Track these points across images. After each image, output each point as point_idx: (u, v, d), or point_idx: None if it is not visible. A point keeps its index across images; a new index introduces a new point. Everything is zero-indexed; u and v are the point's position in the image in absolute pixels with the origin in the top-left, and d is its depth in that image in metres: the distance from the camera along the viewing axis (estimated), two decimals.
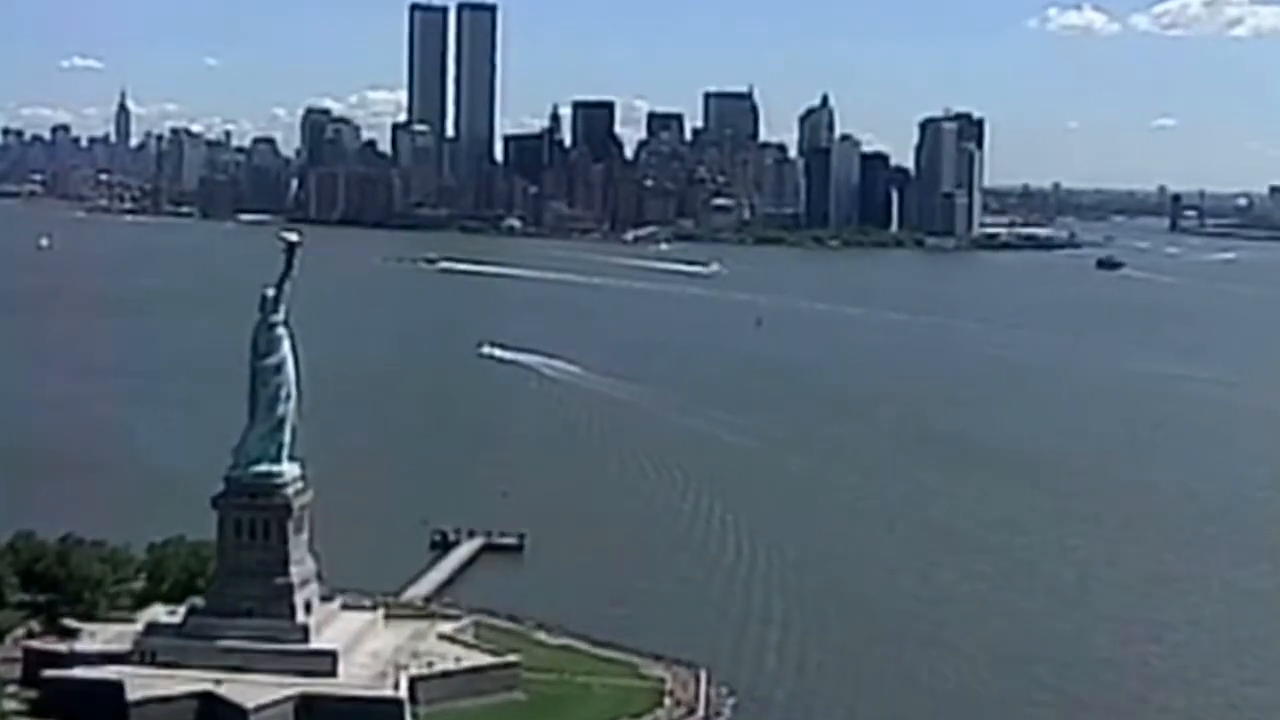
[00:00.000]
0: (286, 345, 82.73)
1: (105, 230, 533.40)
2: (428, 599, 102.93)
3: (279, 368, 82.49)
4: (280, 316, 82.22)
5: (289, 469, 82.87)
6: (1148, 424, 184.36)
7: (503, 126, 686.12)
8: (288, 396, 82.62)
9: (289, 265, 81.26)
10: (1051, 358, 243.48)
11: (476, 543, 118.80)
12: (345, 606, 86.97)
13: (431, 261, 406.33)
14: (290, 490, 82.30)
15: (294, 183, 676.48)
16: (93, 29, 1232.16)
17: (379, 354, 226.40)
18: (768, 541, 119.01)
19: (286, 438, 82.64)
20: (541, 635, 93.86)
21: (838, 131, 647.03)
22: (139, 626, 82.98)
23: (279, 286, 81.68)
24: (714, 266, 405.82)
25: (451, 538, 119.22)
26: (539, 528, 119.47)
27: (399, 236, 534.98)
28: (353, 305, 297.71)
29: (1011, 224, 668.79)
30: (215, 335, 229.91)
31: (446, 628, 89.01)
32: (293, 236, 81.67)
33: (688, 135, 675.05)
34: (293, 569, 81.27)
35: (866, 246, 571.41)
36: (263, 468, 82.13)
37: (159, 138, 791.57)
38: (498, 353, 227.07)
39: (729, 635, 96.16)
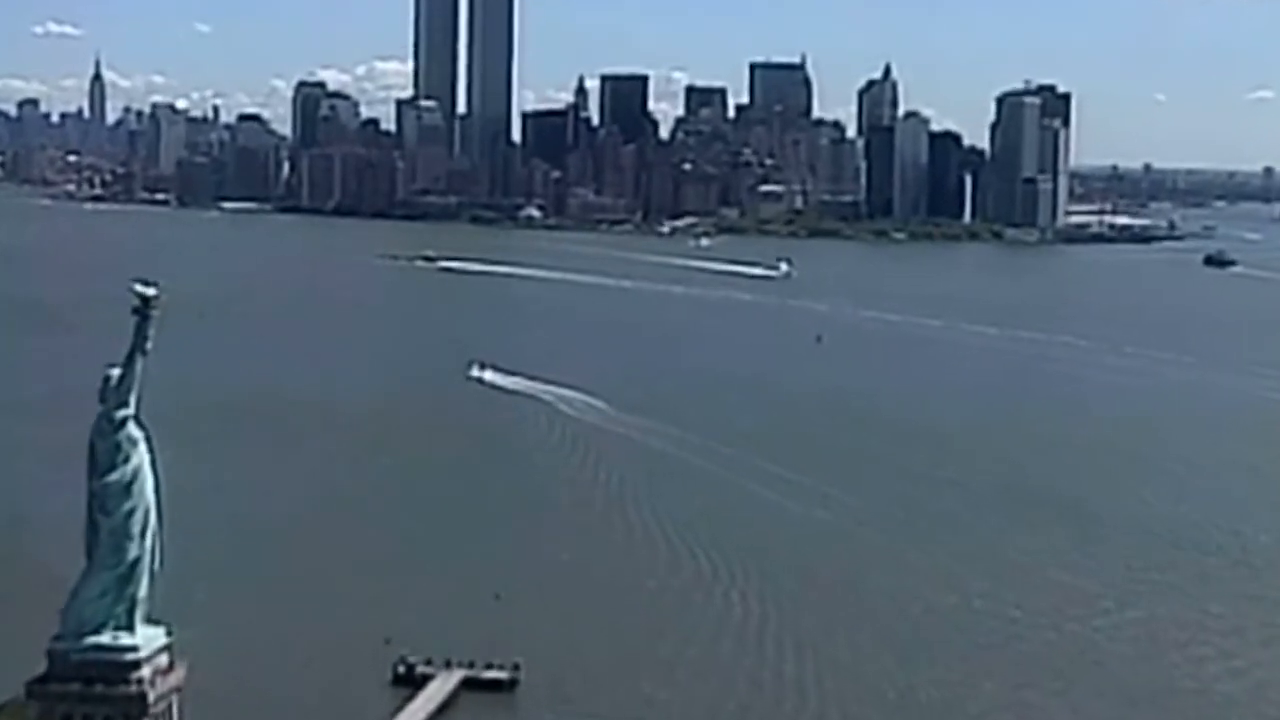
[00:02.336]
0: (142, 452, 59.14)
1: (65, 221, 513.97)
2: None
3: (129, 487, 58.78)
4: (130, 409, 58.84)
5: (146, 638, 59.68)
6: None
7: (521, 102, 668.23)
8: (144, 530, 59.27)
9: (143, 331, 57.97)
10: (1183, 390, 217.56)
11: (455, 678, 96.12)
12: None
13: (430, 260, 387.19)
14: (147, 671, 59.39)
15: (285, 166, 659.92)
16: None
17: (341, 380, 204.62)
18: (856, 683, 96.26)
19: (142, 591, 59.00)
20: None
21: (902, 107, 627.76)
22: None
23: (127, 364, 58.22)
24: (783, 268, 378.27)
25: (421, 670, 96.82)
26: (540, 653, 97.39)
27: (402, 228, 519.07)
28: (329, 315, 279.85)
29: (1101, 212, 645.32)
30: (162, 358, 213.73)
31: None
32: (148, 290, 58.47)
33: (731, 112, 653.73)
34: None
35: (936, 239, 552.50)
36: (105, 638, 58.66)
37: (139, 114, 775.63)
38: (489, 376, 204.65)
39: None
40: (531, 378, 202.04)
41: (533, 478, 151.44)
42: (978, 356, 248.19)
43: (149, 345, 57.00)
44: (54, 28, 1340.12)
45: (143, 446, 59.06)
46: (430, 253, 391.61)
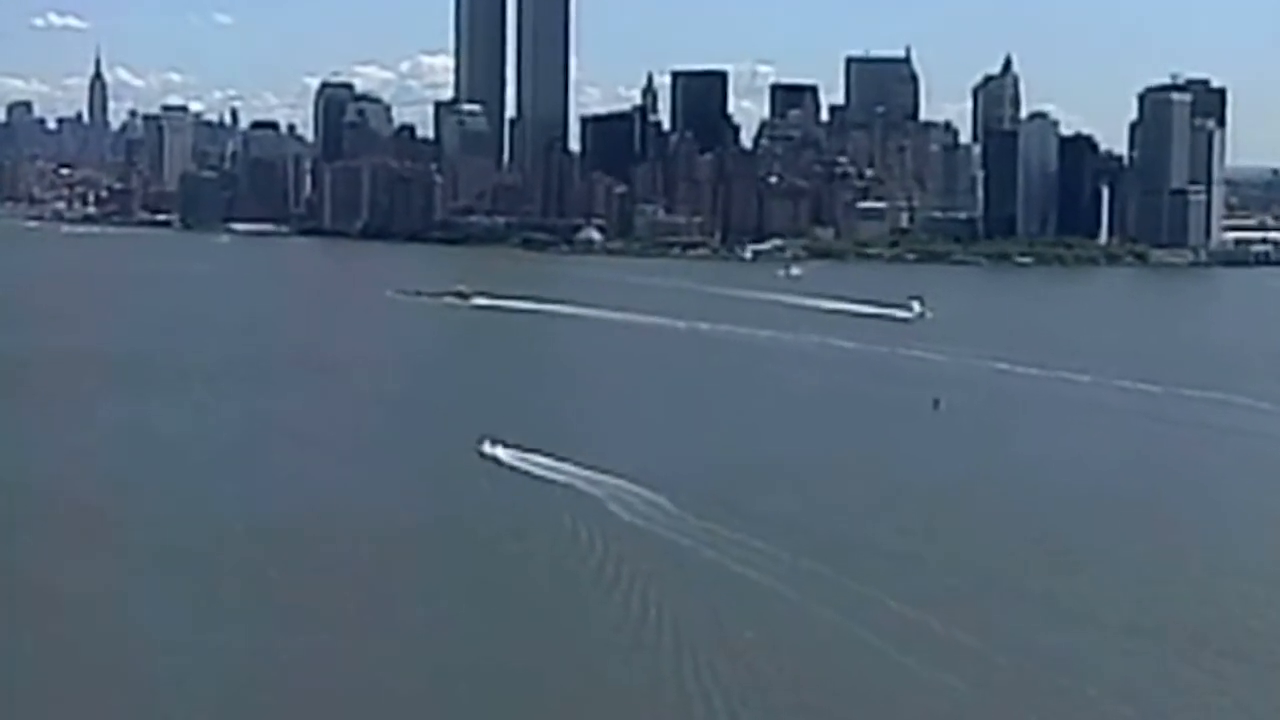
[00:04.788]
0: None
1: (44, 248, 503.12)
2: None
3: None
4: None
5: None
6: None
7: (585, 103, 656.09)
8: None
9: None
10: None
11: None
12: None
13: (463, 296, 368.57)
14: None
15: (307, 180, 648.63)
16: None
17: (310, 471, 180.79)
18: None
19: None
20: None
21: (1026, 107, 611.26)
22: None
23: None
24: (915, 309, 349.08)
25: None
26: None
27: (439, 253, 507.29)
28: (321, 375, 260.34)
29: (1263, 227, 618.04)
30: (97, 441, 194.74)
31: None
32: None
33: (825, 114, 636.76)
34: None
35: (1068, 263, 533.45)
36: None
37: (146, 118, 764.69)
38: (505, 456, 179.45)
39: None
40: (566, 459, 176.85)
41: (551, 622, 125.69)
42: (1139, 428, 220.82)
43: None
44: (55, 19, 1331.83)
45: None
46: (462, 288, 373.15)
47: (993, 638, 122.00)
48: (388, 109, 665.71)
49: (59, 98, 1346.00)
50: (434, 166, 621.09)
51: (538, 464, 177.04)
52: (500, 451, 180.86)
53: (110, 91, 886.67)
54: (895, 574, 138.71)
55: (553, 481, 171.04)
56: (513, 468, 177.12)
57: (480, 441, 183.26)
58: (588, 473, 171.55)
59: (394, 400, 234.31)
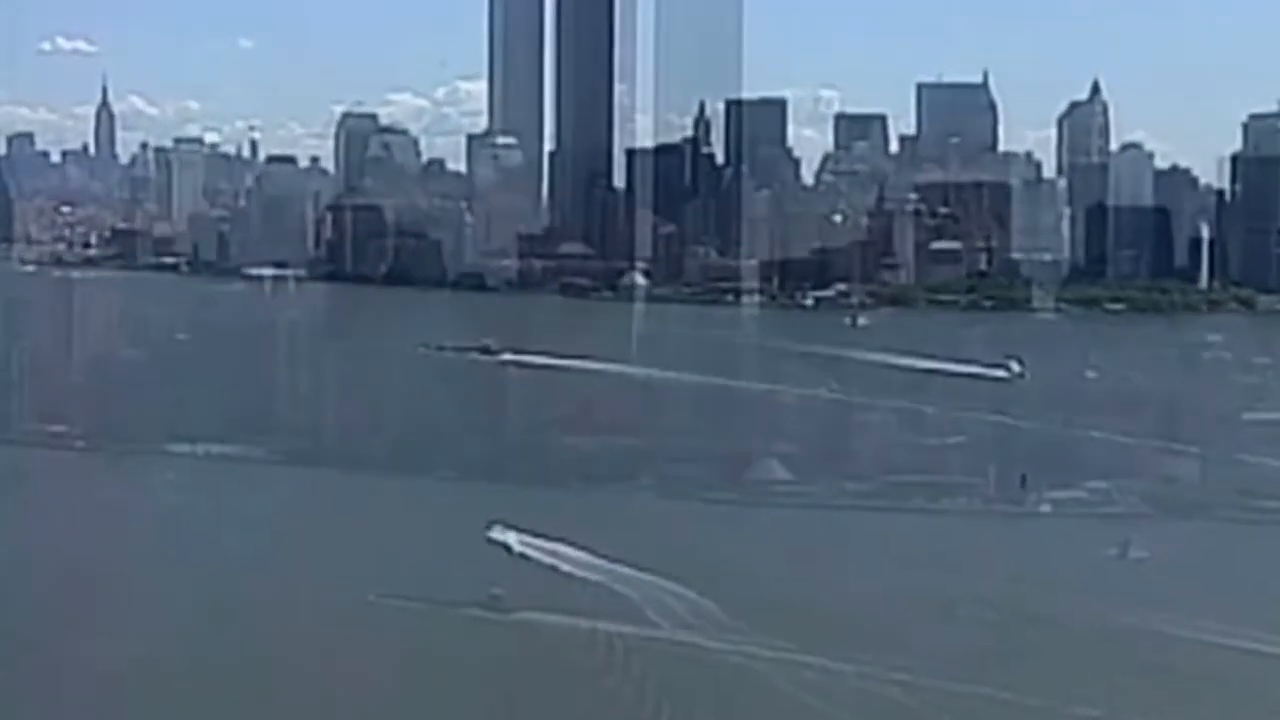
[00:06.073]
0: None
1: (33, 296, 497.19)
2: None
3: None
4: None
5: None
6: None
7: (635, 133, 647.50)
8: None
9: None
10: None
11: None
12: None
13: (490, 352, 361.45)
14: None
15: (328, 220, 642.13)
16: None
17: (298, 554, 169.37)
18: None
19: None
20: None
21: (1116, 137, 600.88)
22: None
23: None
24: (1014, 369, 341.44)
25: None
26: None
27: (468, 302, 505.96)
28: (333, 431, 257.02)
29: None
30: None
31: None
32: None
33: (894, 146, 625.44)
34: None
35: (1165, 310, 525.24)
36: None
37: (156, 151, 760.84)
38: (516, 542, 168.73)
39: None
40: (590, 549, 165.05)
41: None
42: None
43: None
44: (63, 43, 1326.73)
45: None
46: (489, 343, 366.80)
47: None
48: (415, 141, 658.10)
49: (68, 127, 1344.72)
50: (465, 205, 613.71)
51: (557, 554, 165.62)
52: (511, 538, 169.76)
53: (122, 121, 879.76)
54: None
55: (573, 576, 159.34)
56: (525, 557, 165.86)
57: (489, 525, 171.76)
58: (616, 567, 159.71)
59: (397, 473, 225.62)
